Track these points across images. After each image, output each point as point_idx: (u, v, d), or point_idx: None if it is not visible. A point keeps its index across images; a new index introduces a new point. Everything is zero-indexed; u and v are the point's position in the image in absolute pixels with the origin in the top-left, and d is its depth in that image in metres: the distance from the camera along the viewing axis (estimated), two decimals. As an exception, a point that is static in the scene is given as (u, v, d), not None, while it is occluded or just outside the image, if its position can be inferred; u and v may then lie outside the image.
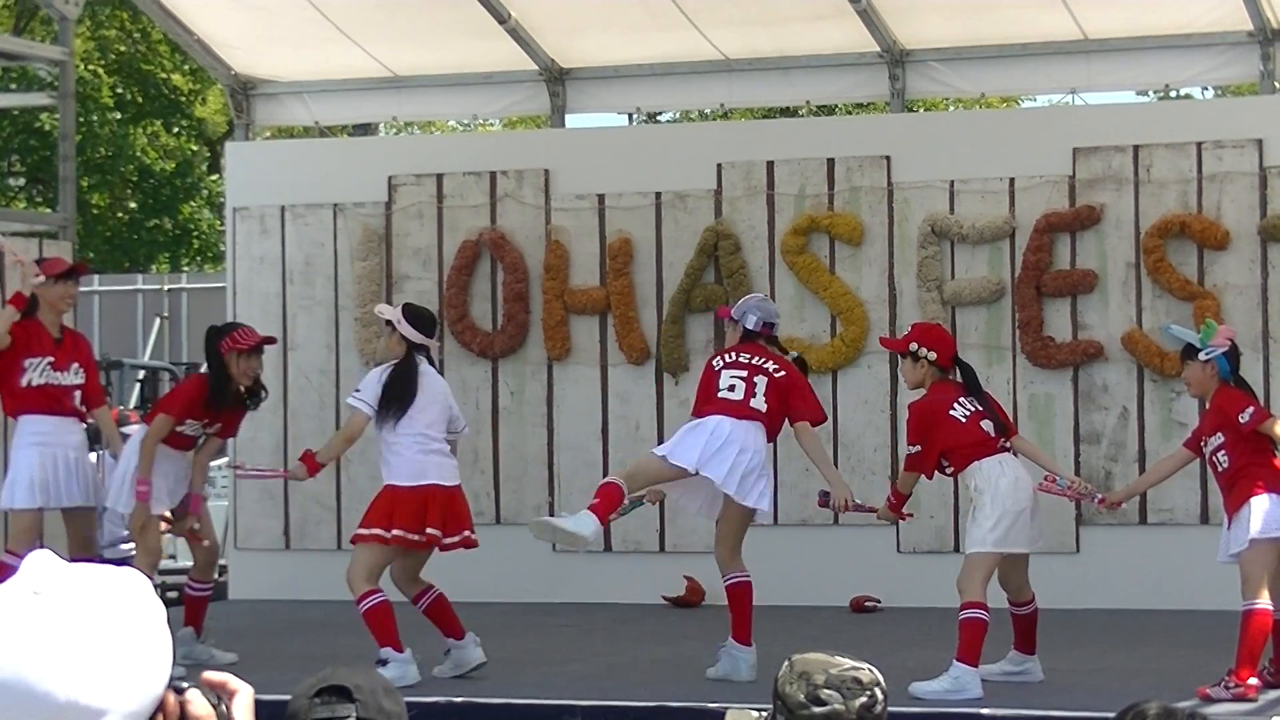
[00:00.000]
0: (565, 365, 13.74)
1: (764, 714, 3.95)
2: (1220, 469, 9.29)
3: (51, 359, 10.57)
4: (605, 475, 13.55)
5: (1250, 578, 9.06)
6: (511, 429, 13.79)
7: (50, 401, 10.59)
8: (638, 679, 9.88)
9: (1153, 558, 12.62)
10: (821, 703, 3.87)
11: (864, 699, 3.89)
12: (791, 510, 13.25)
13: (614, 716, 8.80)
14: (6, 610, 2.23)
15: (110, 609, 2.26)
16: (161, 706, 2.29)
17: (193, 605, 10.52)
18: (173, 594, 11.96)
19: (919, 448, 9.53)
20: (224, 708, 2.36)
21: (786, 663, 3.97)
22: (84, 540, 10.61)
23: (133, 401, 20.64)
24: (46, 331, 10.62)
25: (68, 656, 2.20)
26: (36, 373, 10.56)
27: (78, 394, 10.64)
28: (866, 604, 12.85)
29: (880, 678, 3.95)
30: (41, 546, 10.10)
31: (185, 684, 2.33)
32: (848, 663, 3.94)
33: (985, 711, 8.72)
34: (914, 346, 9.59)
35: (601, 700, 8.96)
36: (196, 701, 2.33)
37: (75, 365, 10.64)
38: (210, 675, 2.38)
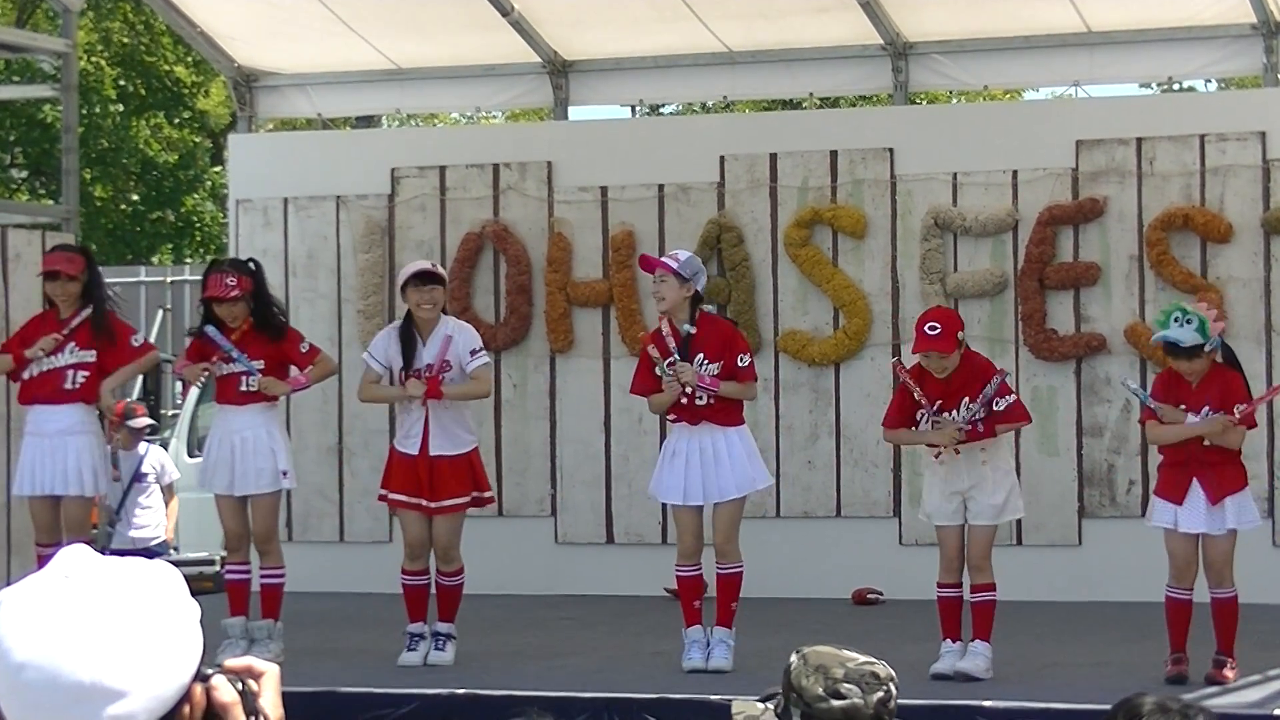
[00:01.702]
0: (568, 358, 13.74)
1: (770, 707, 3.95)
2: (1208, 443, 9.36)
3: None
4: (608, 470, 13.59)
5: (1229, 565, 9.30)
6: (514, 421, 13.79)
7: (41, 388, 10.60)
8: (640, 671, 9.89)
9: (1155, 551, 12.59)
10: (841, 696, 3.88)
11: (881, 694, 3.91)
12: (793, 503, 13.26)
13: (616, 709, 8.80)
14: (36, 592, 2.26)
15: (138, 596, 2.28)
16: (188, 697, 2.29)
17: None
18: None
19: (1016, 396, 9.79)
20: (250, 691, 2.35)
21: (798, 656, 3.97)
22: (70, 527, 10.51)
23: (135, 393, 20.62)
24: (51, 319, 10.68)
25: (93, 638, 2.22)
26: (36, 362, 10.62)
27: (73, 373, 10.58)
28: (868, 596, 12.86)
29: (893, 672, 3.98)
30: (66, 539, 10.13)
31: (210, 670, 2.33)
32: (861, 657, 3.96)
33: (987, 704, 8.72)
34: (960, 336, 9.66)
35: (603, 693, 8.96)
36: (222, 687, 2.32)
37: (72, 345, 10.59)
38: (232, 662, 2.38)
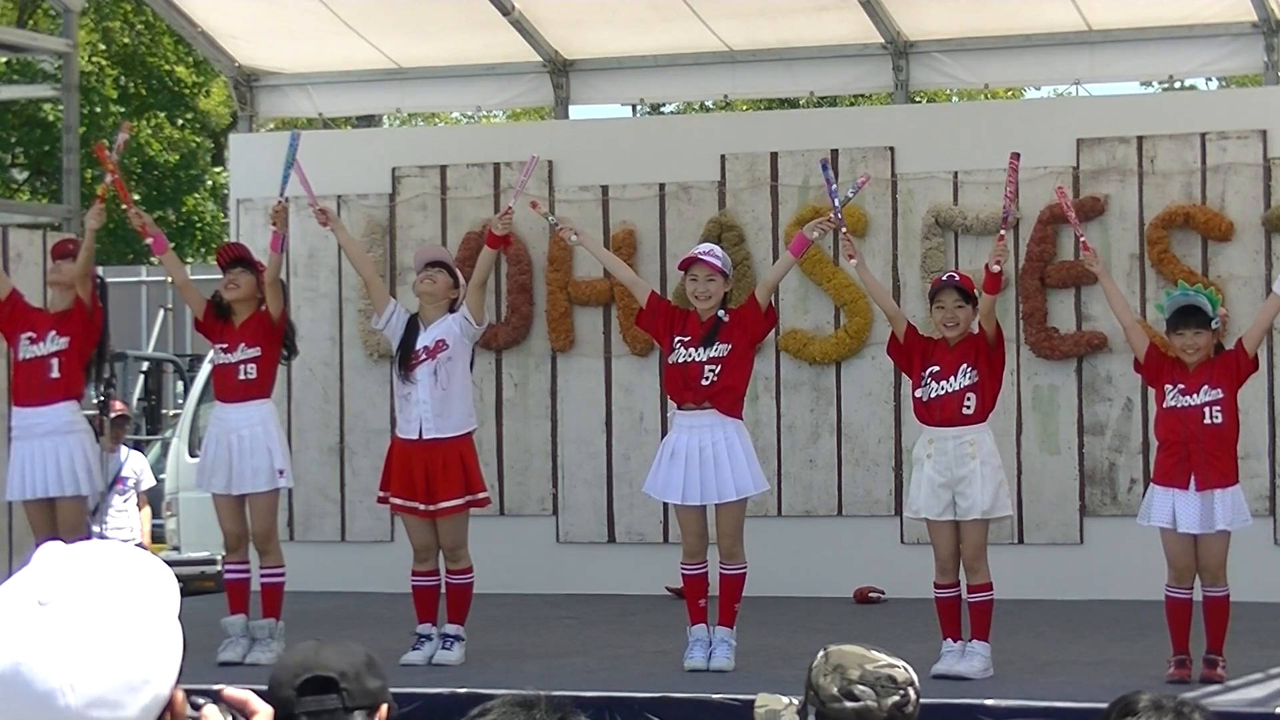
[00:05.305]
0: (569, 357, 13.74)
1: (792, 702, 3.93)
2: (1207, 422, 9.27)
3: (31, 334, 10.53)
4: (610, 469, 13.59)
5: (1223, 565, 9.29)
6: (515, 421, 13.80)
7: (25, 382, 10.51)
8: (642, 670, 9.88)
9: (1157, 549, 12.59)
10: (854, 698, 3.84)
11: (896, 698, 3.85)
12: (795, 502, 13.26)
13: (618, 708, 8.79)
14: (10, 616, 2.22)
15: (116, 612, 2.23)
16: (170, 705, 2.27)
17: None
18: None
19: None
20: None
21: (822, 653, 3.94)
22: (66, 529, 10.44)
23: (136, 393, 20.62)
24: (36, 309, 10.67)
25: (69, 664, 2.19)
26: (20, 349, 10.56)
27: (55, 362, 10.51)
28: (870, 595, 12.86)
29: (914, 677, 3.91)
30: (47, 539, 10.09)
31: (202, 700, 2.30)
32: (884, 659, 3.90)
33: (989, 702, 8.72)
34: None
35: (605, 692, 8.96)
36: (212, 718, 2.30)
37: (53, 333, 10.55)
38: (231, 692, 2.35)
